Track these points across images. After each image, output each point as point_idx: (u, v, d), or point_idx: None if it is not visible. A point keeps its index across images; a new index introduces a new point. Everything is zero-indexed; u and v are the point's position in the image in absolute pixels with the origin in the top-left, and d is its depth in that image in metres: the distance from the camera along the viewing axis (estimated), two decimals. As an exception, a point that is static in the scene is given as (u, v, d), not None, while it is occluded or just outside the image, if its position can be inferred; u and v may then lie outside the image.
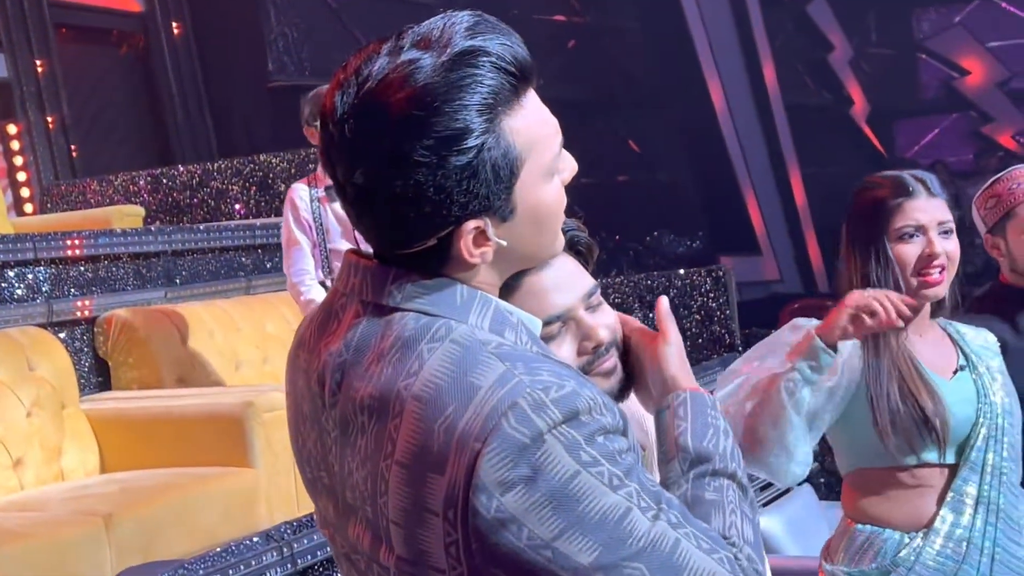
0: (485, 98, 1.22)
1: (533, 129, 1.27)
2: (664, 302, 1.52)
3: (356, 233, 4.47)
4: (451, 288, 1.28)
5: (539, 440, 1.18)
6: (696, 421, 1.38)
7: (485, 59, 1.22)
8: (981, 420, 2.40)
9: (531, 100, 1.27)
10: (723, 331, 5.97)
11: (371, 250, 1.33)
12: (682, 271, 6.13)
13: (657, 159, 13.30)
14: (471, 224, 1.25)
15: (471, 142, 1.21)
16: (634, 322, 1.56)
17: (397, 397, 1.23)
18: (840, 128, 15.23)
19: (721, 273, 6.00)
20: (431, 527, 1.21)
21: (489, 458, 1.17)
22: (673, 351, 1.47)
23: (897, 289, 2.36)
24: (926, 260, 2.37)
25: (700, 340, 5.92)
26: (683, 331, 5.90)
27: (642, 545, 1.19)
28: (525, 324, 1.31)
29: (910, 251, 2.37)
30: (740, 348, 5.99)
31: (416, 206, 1.22)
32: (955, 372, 2.45)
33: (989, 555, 2.39)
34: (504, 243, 1.27)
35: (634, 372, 1.53)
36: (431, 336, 1.24)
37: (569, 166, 1.32)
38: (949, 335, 2.51)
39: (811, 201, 13.03)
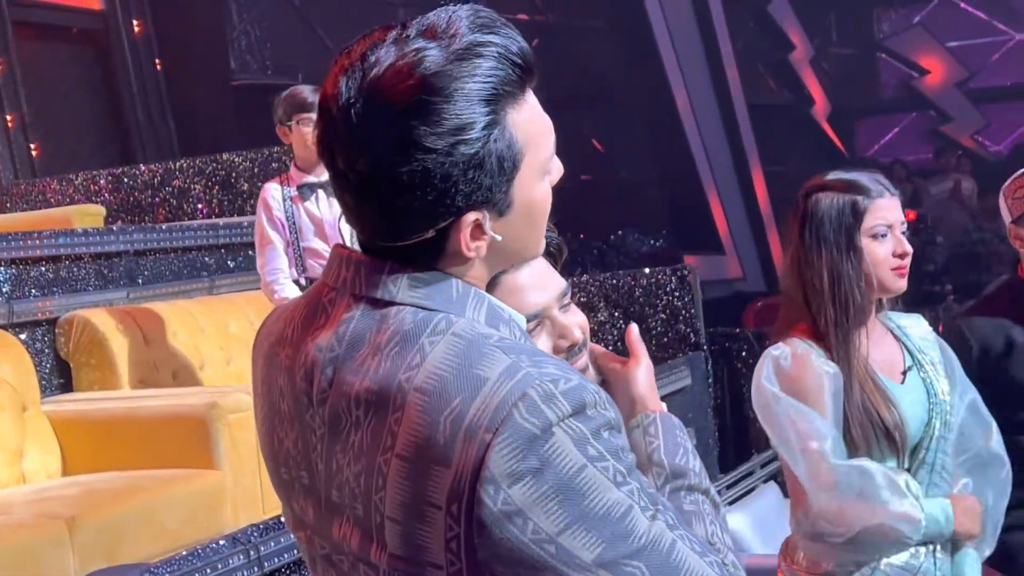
0: (494, 88, 1.22)
1: (533, 124, 1.27)
2: (634, 329, 1.54)
3: (336, 229, 4.45)
4: (447, 282, 1.27)
5: (548, 432, 1.17)
6: (667, 439, 1.40)
7: (493, 50, 1.23)
8: (933, 419, 2.44)
9: (531, 96, 1.28)
10: (688, 329, 5.98)
11: (358, 246, 1.31)
12: (647, 270, 6.15)
13: (621, 158, 13.32)
14: (471, 216, 1.24)
15: (479, 132, 1.21)
16: (599, 348, 1.57)
17: (398, 390, 1.21)
18: (801, 127, 15.36)
19: (686, 272, 6.02)
20: (432, 522, 1.19)
21: (500, 449, 1.16)
22: (643, 372, 1.48)
23: (868, 284, 2.43)
24: (899, 257, 2.45)
25: (665, 339, 5.94)
26: (648, 330, 5.92)
27: (643, 543, 1.19)
28: (515, 320, 1.31)
29: (882, 249, 2.44)
30: (705, 347, 6.01)
31: (420, 194, 1.21)
32: (904, 373, 2.48)
33: (945, 549, 2.44)
34: (499, 238, 1.27)
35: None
36: (432, 329, 1.23)
37: (557, 168, 1.32)
38: (891, 331, 2.54)
39: (773, 200, 13.09)
